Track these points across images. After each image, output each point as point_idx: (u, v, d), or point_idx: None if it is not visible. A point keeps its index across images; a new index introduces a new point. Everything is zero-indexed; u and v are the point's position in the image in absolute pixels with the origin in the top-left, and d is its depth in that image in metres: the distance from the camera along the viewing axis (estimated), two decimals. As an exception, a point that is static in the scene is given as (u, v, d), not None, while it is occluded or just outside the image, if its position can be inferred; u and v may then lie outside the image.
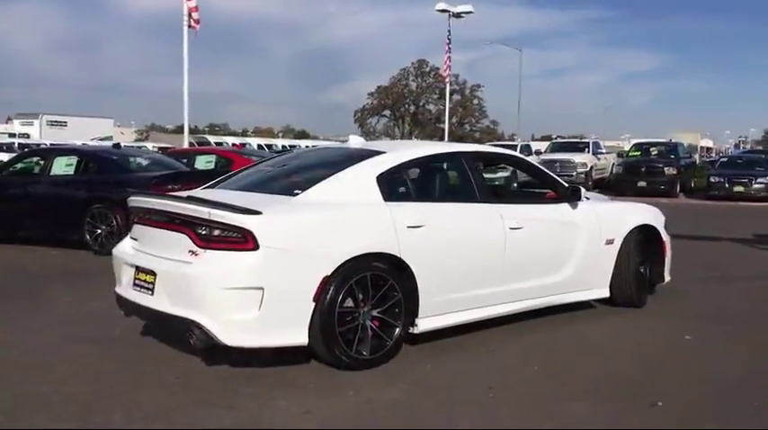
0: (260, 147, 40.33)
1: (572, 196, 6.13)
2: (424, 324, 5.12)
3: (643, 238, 6.59)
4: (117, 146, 11.92)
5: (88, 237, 9.69)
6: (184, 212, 4.65)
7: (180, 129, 29.66)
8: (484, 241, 5.52)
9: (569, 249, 6.05)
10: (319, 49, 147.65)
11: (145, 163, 10.74)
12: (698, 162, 33.37)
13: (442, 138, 73.38)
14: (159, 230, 4.92)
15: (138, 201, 5.23)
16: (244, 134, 78.37)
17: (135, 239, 5.23)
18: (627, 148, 35.34)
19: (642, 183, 23.03)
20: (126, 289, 5.10)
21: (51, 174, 10.39)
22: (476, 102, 74.08)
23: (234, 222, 4.45)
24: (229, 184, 5.64)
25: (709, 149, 69.34)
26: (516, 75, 47.43)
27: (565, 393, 4.48)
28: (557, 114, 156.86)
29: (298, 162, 6.33)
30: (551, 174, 6.54)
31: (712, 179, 22.99)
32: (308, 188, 5.00)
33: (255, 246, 4.42)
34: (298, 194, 4.96)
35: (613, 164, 28.05)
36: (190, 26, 17.98)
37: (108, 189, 9.69)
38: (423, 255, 5.02)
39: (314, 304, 4.58)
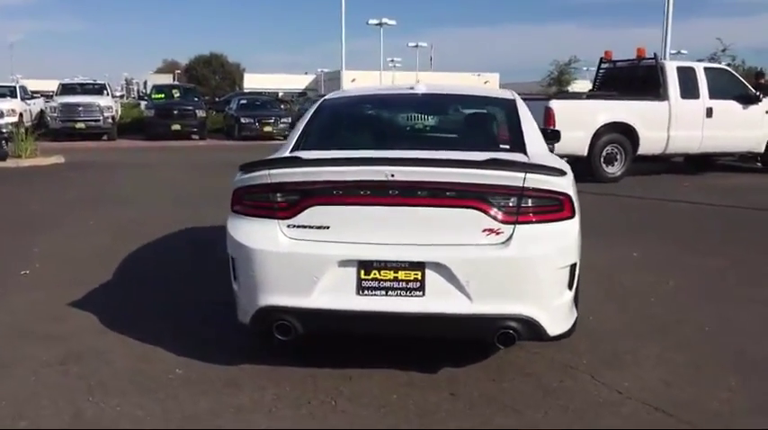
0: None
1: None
2: None
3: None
4: None
5: None
6: (471, 181, 3.52)
7: None
8: None
9: None
10: None
11: None
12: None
13: None
14: (400, 209, 3.58)
15: (341, 172, 3.63)
16: None
17: (314, 227, 3.62)
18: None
19: (176, 127, 23.58)
20: (337, 297, 3.58)
21: None
22: None
23: (555, 187, 3.59)
24: (340, 143, 4.55)
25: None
26: None
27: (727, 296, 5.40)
28: None
29: (422, 111, 5.25)
30: None
31: (243, 120, 24.16)
32: (519, 143, 4.30)
33: (572, 214, 3.66)
34: (509, 150, 4.24)
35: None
36: None
37: None
38: None
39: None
